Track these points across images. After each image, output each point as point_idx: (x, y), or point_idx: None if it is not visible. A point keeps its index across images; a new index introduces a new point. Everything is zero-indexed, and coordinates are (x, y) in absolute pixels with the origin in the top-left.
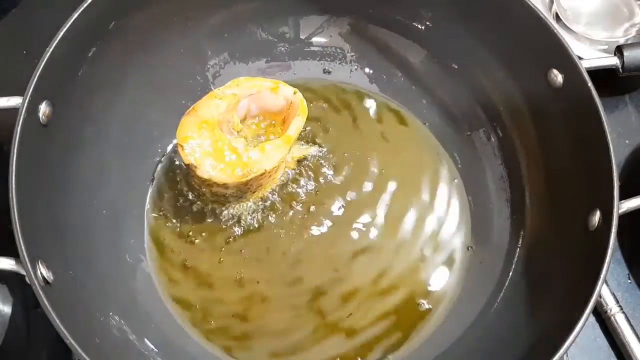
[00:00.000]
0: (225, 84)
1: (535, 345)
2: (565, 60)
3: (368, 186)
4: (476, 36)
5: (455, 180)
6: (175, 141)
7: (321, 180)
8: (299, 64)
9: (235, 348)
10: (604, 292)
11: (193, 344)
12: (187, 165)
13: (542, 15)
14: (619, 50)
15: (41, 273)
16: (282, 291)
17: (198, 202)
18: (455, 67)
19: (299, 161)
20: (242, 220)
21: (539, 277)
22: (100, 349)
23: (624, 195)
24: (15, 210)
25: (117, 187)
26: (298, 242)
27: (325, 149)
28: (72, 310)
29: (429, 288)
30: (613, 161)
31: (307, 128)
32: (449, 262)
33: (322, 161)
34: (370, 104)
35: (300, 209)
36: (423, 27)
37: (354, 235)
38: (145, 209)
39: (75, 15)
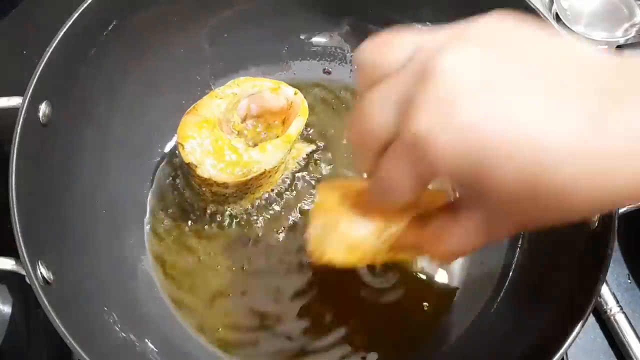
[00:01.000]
0: (225, 84)
1: (535, 345)
2: None
3: None
4: None
5: None
6: (175, 141)
7: (322, 180)
8: (299, 64)
9: (235, 348)
10: (604, 292)
11: (193, 344)
12: (187, 165)
13: (542, 16)
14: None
15: (41, 273)
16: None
17: (198, 202)
18: None
19: (299, 161)
20: (242, 221)
21: (539, 277)
22: (100, 349)
23: None
24: (15, 210)
25: (117, 187)
26: (299, 243)
27: (325, 149)
28: (72, 310)
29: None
30: None
31: (308, 128)
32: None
33: (321, 161)
34: None
35: (300, 209)
36: (423, 27)
37: None
38: (145, 209)
39: (75, 15)
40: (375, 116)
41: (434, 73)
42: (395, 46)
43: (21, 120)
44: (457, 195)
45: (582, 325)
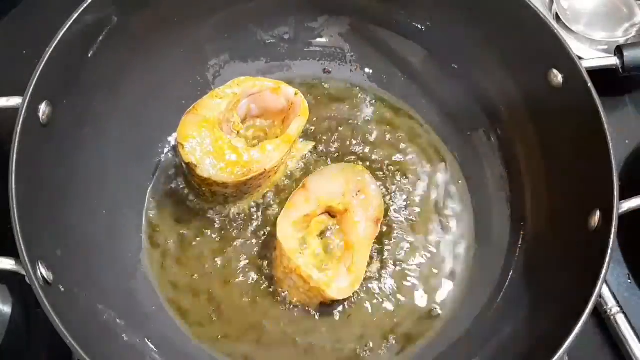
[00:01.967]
0: (225, 84)
1: (536, 345)
2: (565, 60)
3: None
4: (476, 36)
5: (455, 179)
6: (175, 141)
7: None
8: (299, 64)
9: (235, 349)
10: (604, 292)
11: (192, 345)
12: (187, 164)
13: (542, 15)
14: (619, 50)
15: (41, 273)
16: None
17: (198, 202)
18: (455, 67)
19: (298, 161)
20: (242, 221)
21: (539, 277)
22: (100, 349)
23: (624, 195)
24: (15, 210)
25: (117, 187)
26: None
27: (325, 149)
28: (72, 310)
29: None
30: (613, 161)
31: (307, 127)
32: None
33: (322, 161)
34: (371, 104)
35: None
36: (423, 27)
37: None
38: (145, 208)
39: (75, 15)
40: None
41: None
42: None
43: (21, 120)
44: None
45: (583, 326)
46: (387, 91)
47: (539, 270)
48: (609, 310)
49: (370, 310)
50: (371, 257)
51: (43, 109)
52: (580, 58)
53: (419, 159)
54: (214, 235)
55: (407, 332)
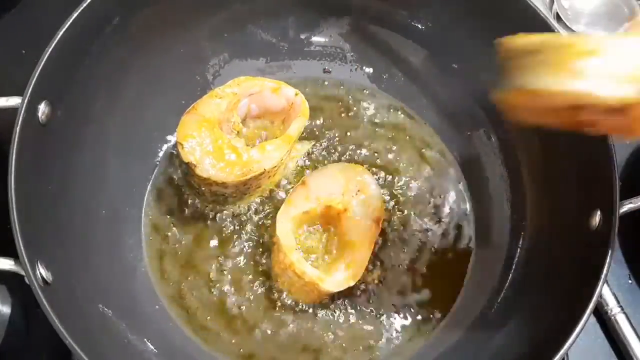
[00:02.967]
0: (225, 84)
1: (536, 345)
2: None
3: None
4: (476, 36)
5: (455, 180)
6: (174, 141)
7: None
8: (299, 63)
9: (235, 349)
10: (604, 292)
11: (192, 345)
12: (187, 164)
13: (542, 15)
14: None
15: (40, 273)
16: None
17: (197, 202)
18: (455, 67)
19: (298, 160)
20: (241, 221)
21: (539, 277)
22: (99, 349)
23: (624, 195)
24: (15, 210)
25: (117, 187)
26: None
27: (325, 149)
28: (72, 310)
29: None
30: (613, 161)
31: (308, 127)
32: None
33: (322, 161)
34: (371, 104)
35: None
36: (423, 27)
37: None
38: (144, 209)
39: (75, 15)
40: None
41: None
42: None
43: (21, 120)
44: None
45: (583, 326)
46: (387, 91)
47: (539, 270)
48: (609, 311)
49: (369, 311)
50: (371, 257)
51: (42, 108)
52: None
53: (419, 159)
54: (213, 235)
55: (407, 332)
